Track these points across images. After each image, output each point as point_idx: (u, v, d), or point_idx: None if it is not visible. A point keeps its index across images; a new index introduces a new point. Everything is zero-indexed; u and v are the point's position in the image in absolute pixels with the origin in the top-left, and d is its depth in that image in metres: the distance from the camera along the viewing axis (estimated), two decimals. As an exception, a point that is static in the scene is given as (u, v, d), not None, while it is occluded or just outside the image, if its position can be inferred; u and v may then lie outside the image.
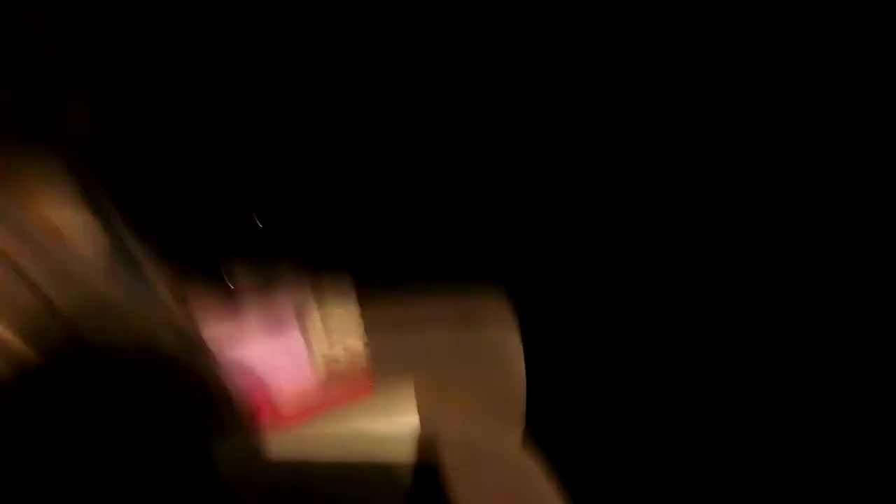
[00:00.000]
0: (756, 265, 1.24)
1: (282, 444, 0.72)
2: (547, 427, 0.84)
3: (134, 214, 0.70)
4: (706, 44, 1.24)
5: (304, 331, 0.79)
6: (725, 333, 1.19)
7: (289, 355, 0.78)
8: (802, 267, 1.22)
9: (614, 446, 1.11)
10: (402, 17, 1.20)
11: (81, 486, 0.57)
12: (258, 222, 0.91)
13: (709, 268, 1.25)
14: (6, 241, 0.58)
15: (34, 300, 0.56)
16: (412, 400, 0.76)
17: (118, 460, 0.58)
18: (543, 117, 1.28)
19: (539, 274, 1.24)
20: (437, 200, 1.26)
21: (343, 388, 0.79)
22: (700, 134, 1.27)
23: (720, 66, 1.24)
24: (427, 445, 0.72)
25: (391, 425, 0.73)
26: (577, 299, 1.24)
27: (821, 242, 1.21)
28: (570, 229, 1.28)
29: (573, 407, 1.12)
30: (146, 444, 0.60)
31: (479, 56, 1.24)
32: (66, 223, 0.66)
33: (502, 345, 0.84)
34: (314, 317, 0.82)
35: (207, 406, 0.69)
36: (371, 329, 0.81)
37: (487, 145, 1.27)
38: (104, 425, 0.58)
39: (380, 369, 0.79)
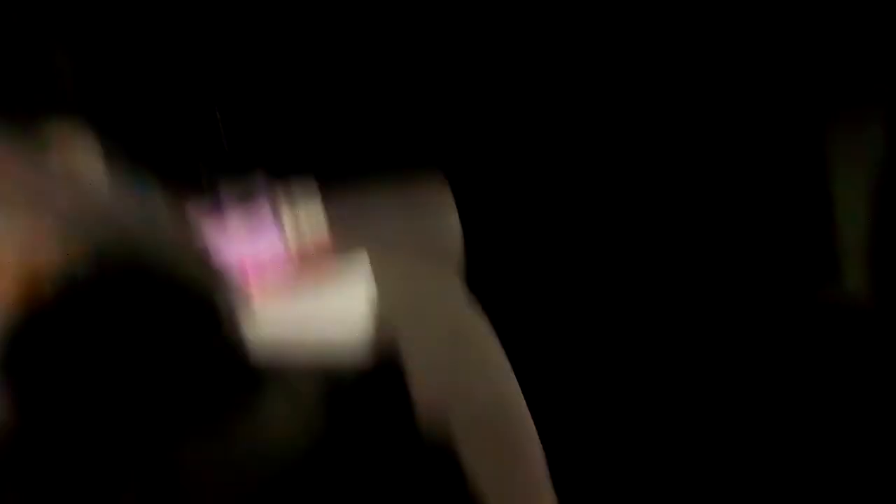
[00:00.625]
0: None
1: (266, 314, 0.86)
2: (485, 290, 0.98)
3: (126, 148, 0.85)
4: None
5: (276, 224, 0.96)
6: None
7: (265, 245, 0.95)
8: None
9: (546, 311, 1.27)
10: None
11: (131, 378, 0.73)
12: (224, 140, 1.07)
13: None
14: (45, 184, 0.73)
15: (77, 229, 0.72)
16: (366, 268, 0.92)
17: (156, 346, 0.75)
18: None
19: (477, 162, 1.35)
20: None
21: (311, 267, 0.95)
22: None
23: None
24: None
25: (350, 290, 0.88)
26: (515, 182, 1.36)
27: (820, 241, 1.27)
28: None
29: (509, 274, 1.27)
30: (175, 331, 0.77)
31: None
32: (80, 164, 0.81)
33: (440, 217, 1.01)
34: (284, 212, 0.99)
35: (215, 295, 0.85)
36: (330, 217, 0.98)
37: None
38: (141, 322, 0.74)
39: (339, 247, 0.96)
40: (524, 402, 0.85)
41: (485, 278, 0.98)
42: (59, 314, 0.71)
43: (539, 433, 0.84)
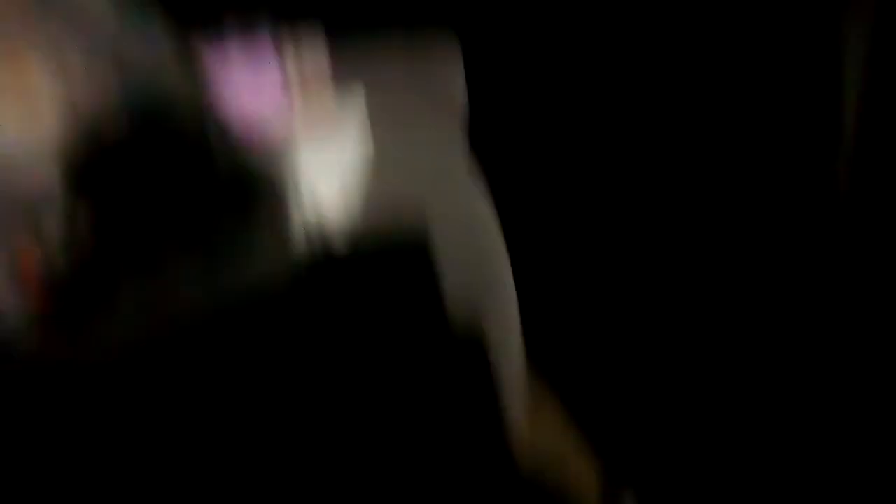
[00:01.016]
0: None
1: (266, 159, 0.90)
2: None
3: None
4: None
5: (280, 66, 0.96)
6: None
7: (268, 86, 0.95)
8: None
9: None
10: None
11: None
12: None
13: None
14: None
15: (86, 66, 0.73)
16: (364, 117, 0.94)
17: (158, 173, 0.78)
18: None
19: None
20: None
21: (312, 113, 0.96)
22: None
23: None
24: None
25: (347, 139, 0.91)
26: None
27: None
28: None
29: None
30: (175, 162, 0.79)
31: None
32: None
33: (445, 72, 1.01)
34: (289, 54, 0.99)
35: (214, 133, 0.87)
36: (335, 64, 0.98)
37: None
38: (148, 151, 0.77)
39: (341, 94, 0.97)
40: (508, 258, 0.88)
41: (486, 136, 1.00)
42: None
43: (522, 289, 0.88)
